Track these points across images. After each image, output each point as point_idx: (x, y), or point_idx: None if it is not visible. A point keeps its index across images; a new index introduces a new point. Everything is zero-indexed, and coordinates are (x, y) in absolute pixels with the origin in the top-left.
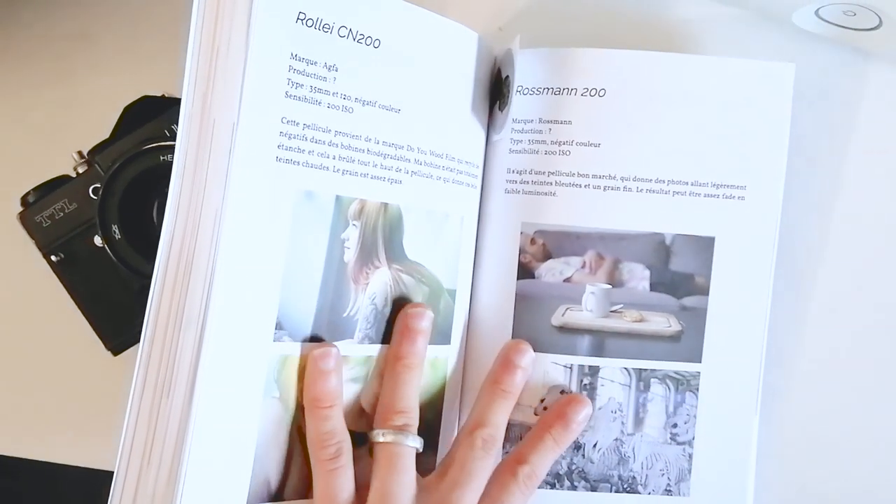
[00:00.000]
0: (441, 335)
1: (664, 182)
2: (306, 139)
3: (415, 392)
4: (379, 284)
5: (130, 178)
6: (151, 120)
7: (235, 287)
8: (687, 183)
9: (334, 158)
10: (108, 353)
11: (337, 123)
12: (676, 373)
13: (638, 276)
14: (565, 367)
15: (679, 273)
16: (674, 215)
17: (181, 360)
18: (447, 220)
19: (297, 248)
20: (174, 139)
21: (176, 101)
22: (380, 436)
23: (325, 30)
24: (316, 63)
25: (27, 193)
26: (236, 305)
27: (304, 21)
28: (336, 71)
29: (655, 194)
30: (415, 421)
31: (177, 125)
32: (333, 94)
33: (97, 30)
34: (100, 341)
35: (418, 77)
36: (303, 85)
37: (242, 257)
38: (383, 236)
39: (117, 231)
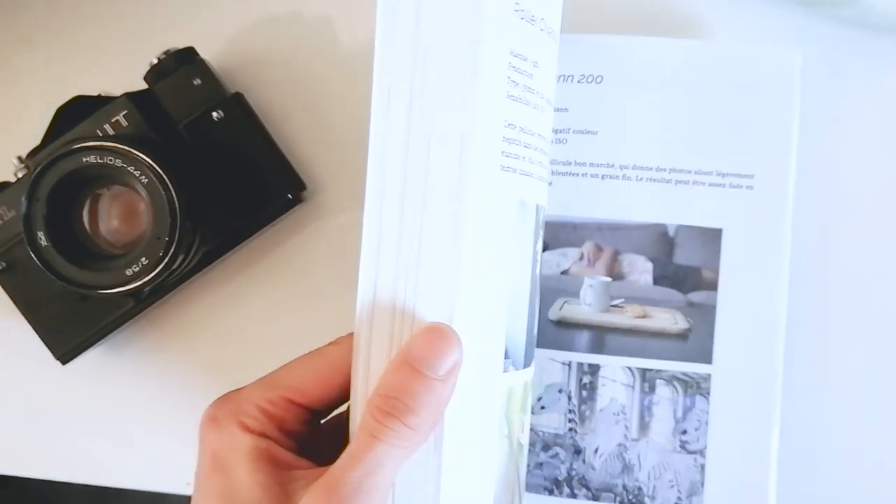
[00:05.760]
0: None
1: (665, 170)
2: (520, 144)
3: None
4: None
5: (54, 182)
6: (83, 120)
7: (472, 314)
8: (690, 171)
9: (539, 164)
10: (58, 363)
11: (539, 126)
12: (684, 374)
13: (639, 269)
14: (563, 363)
15: (684, 266)
16: (677, 205)
17: None
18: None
19: (514, 265)
20: (104, 139)
21: (109, 100)
22: None
23: (532, 22)
24: (527, 59)
25: None
26: (474, 334)
27: (520, 12)
28: (538, 67)
29: (656, 183)
30: None
31: (109, 124)
32: (537, 93)
33: (40, 33)
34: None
35: None
36: (518, 84)
37: (480, 280)
38: None
39: (43, 238)
